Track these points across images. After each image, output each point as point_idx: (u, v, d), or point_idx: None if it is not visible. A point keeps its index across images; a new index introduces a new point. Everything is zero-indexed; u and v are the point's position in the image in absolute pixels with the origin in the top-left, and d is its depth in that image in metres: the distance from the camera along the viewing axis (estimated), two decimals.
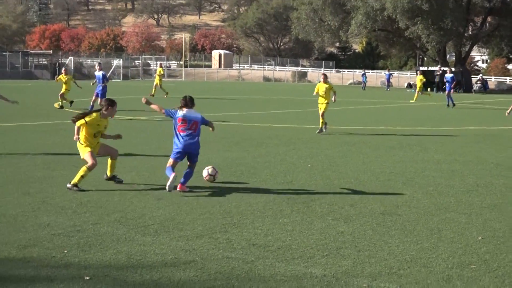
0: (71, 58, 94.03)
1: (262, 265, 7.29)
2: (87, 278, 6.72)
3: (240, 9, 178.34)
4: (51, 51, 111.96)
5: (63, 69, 32.92)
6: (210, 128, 12.22)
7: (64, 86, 30.38)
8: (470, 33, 76.55)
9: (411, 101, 43.72)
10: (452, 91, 40.47)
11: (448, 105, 38.69)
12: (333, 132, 21.82)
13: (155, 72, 48.94)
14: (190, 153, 11.66)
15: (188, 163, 11.71)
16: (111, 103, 11.96)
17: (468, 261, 7.59)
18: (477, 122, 28.17)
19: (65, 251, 7.64)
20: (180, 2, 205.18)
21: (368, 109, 34.61)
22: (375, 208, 10.29)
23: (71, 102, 30.10)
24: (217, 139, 19.02)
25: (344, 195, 11.29)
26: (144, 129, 22.06)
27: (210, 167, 12.26)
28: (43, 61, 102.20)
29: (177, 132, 11.69)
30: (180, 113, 11.71)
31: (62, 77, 30.65)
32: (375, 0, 66.79)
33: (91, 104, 26.73)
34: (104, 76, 27.19)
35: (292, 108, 35.39)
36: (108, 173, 12.10)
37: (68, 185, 11.33)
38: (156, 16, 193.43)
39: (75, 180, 11.31)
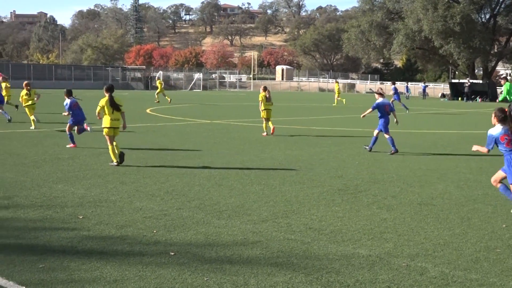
0: (161, 72, 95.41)
1: (317, 245, 7.22)
2: (172, 253, 6.77)
3: (300, 31, 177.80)
4: (144, 67, 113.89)
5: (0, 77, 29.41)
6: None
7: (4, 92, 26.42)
8: (495, 50, 75.12)
9: (333, 104, 43.61)
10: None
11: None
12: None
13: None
14: (79, 122, 16.19)
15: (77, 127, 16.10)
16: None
17: (494, 246, 7.37)
18: None
19: (154, 231, 7.72)
20: (250, 26, 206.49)
21: (406, 115, 33.98)
22: (413, 199, 10.10)
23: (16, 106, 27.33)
24: (280, 139, 18.99)
25: (386, 188, 11.12)
26: (223, 131, 22.14)
27: None
28: (138, 74, 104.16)
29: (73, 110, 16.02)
30: (68, 100, 16.00)
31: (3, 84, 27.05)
32: (414, 23, 66.12)
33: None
34: None
35: (342, 114, 35.09)
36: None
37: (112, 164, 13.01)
38: (230, 38, 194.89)
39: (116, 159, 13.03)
